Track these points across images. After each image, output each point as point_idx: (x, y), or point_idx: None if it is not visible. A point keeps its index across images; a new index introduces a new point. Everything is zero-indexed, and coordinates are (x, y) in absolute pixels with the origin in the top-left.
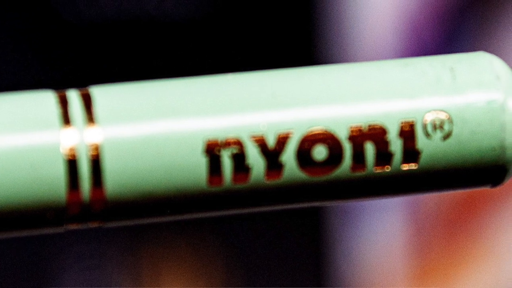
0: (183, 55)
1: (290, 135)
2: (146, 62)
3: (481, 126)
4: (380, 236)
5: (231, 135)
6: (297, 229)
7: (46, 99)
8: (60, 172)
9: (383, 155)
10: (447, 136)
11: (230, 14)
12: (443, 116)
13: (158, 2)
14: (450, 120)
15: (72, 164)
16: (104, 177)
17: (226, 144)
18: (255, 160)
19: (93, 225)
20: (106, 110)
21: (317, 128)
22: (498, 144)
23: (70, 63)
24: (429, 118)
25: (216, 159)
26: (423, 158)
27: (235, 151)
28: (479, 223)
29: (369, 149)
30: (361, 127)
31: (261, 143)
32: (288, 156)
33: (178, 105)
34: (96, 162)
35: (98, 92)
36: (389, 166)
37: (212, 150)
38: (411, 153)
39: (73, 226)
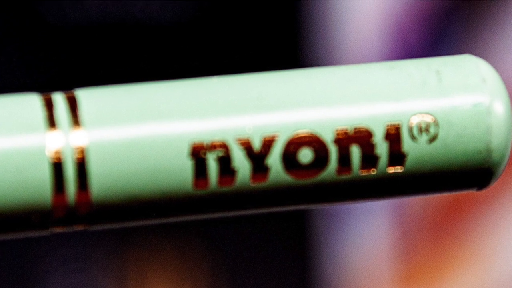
0: (169, 58)
1: (276, 138)
2: (132, 65)
3: (467, 129)
4: (366, 239)
5: (216, 138)
6: (283, 232)
7: (32, 102)
8: (45, 175)
9: (369, 158)
10: (433, 139)
11: (216, 17)
12: (429, 119)
13: (144, 5)
14: (436, 123)
15: (57, 167)
16: (89, 180)
17: (212, 147)
18: (241, 163)
19: (79, 228)
20: (92, 113)
21: (303, 131)
22: (484, 147)
23: (55, 66)
24: (415, 121)
25: (201, 162)
26: (409, 161)
27: (220, 154)
28: (465, 226)
29: (355, 152)
30: (346, 130)
31: (247, 146)
32: (274, 159)
33: (164, 108)
34: (81, 165)
35: (84, 95)
36: (375, 169)
37: (198, 153)
38: (397, 156)
39: (58, 229)
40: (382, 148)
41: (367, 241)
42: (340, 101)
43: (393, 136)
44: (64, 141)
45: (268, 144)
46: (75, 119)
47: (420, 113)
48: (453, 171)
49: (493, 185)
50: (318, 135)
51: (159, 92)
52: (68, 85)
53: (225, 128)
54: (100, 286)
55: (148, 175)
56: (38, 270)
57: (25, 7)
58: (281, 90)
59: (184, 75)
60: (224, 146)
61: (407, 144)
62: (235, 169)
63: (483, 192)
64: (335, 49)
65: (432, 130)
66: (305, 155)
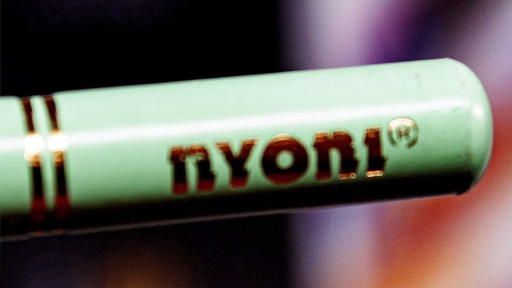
0: (148, 62)
1: (255, 142)
2: (111, 69)
3: (446, 133)
4: (345, 243)
5: (196, 142)
6: (262, 237)
7: (10, 106)
8: (24, 180)
9: (348, 162)
10: (412, 143)
11: (195, 21)
12: (408, 123)
13: (123, 9)
14: (416, 127)
15: (36, 171)
16: (68, 185)
17: (191, 151)
18: (220, 167)
19: (58, 232)
20: (71, 117)
21: (282, 135)
22: (464, 151)
23: (34, 70)
24: (394, 125)
25: (180, 166)
26: (388, 165)
27: (200, 158)
28: (444, 231)
29: (334, 156)
30: (326, 134)
31: (226, 150)
32: (253, 163)
33: (143, 112)
34: (60, 170)
35: (63, 99)
36: (354, 173)
37: (177, 157)
38: (376, 160)
39: (37, 234)
40: (361, 152)
41: (346, 246)
42: (319, 105)
43: (373, 140)
44: (43, 145)
45: (247, 148)
46: (54, 123)
47: (400, 117)
48: (433, 176)
49: (473, 190)
50: (297, 139)
51: (138, 96)
52: (47, 89)
53: (204, 132)
54: None
55: (127, 179)
56: (17, 275)
57: (4, 11)
58: (261, 94)
59: (163, 79)
60: (203, 150)
61: (386, 148)
62: (214, 173)
63: (463, 196)
64: (315, 53)
65: (411, 134)
66: (285, 159)
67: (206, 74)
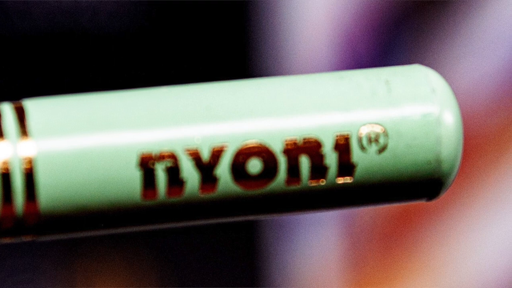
0: (117, 68)
1: (225, 149)
2: (80, 75)
3: (416, 139)
4: (315, 249)
5: (165, 149)
6: (232, 243)
7: None
8: None
9: (318, 169)
10: (382, 150)
11: (164, 27)
12: (378, 129)
13: (92, 15)
14: (386, 134)
15: (5, 177)
16: (37, 191)
17: (160, 157)
18: (190, 173)
19: (27, 238)
20: (40, 124)
21: (252, 141)
22: (434, 158)
23: (3, 76)
24: (364, 131)
25: (150, 173)
26: (358, 171)
27: (169, 164)
28: (414, 237)
29: (304, 162)
30: (296, 140)
31: (196, 157)
32: (223, 170)
33: (112, 119)
34: (29, 176)
35: (32, 105)
36: (324, 180)
37: (146, 164)
38: (346, 166)
39: (6, 240)
40: (331, 159)
41: (316, 252)
42: (289, 111)
43: (343, 146)
44: (12, 151)
45: (216, 154)
46: (23, 129)
47: (370, 123)
48: (403, 182)
49: (443, 196)
50: (267, 145)
51: (108, 102)
52: (16, 95)
53: (173, 139)
54: None
55: (96, 185)
56: None
57: None
58: (230, 100)
59: (132, 85)
60: (173, 157)
61: (356, 155)
62: (184, 179)
63: (433, 202)
64: (284, 59)
65: (381, 140)
66: (254, 165)
67: (176, 80)
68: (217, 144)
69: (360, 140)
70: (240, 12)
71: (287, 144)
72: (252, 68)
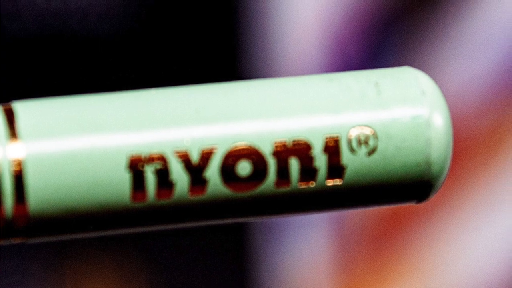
0: (106, 70)
1: (214, 151)
2: (69, 77)
3: (406, 141)
4: (305, 252)
5: (154, 151)
6: (221, 245)
7: None
8: None
9: (308, 171)
10: (372, 152)
11: (154, 29)
12: (368, 131)
13: (81, 17)
14: (375, 136)
15: None
16: (26, 193)
17: (150, 159)
18: (179, 175)
19: (16, 241)
20: (29, 126)
21: (241, 143)
22: (424, 160)
23: None
24: (354, 133)
25: (139, 175)
26: (348, 173)
27: (158, 166)
28: (404, 239)
29: (294, 164)
30: (285, 142)
31: (185, 159)
32: (212, 172)
33: (102, 121)
34: (18, 178)
35: (21, 108)
36: (313, 182)
37: (136, 166)
38: (335, 168)
39: None
40: (321, 161)
41: (305, 254)
42: (278, 113)
43: (332, 148)
44: (1, 153)
45: (206, 156)
46: (12, 131)
47: (359, 125)
48: (393, 184)
49: (433, 198)
50: (256, 147)
51: (97, 105)
52: (5, 97)
53: (163, 141)
54: None
55: (85, 188)
56: None
57: None
58: (219, 103)
59: (122, 87)
60: (162, 159)
61: (346, 157)
62: (173, 181)
63: (423, 205)
64: (274, 61)
65: (371, 142)
66: (244, 167)
67: (165, 82)
68: (206, 146)
69: (349, 142)
70: (230, 14)
71: (276, 146)
72: (241, 70)
